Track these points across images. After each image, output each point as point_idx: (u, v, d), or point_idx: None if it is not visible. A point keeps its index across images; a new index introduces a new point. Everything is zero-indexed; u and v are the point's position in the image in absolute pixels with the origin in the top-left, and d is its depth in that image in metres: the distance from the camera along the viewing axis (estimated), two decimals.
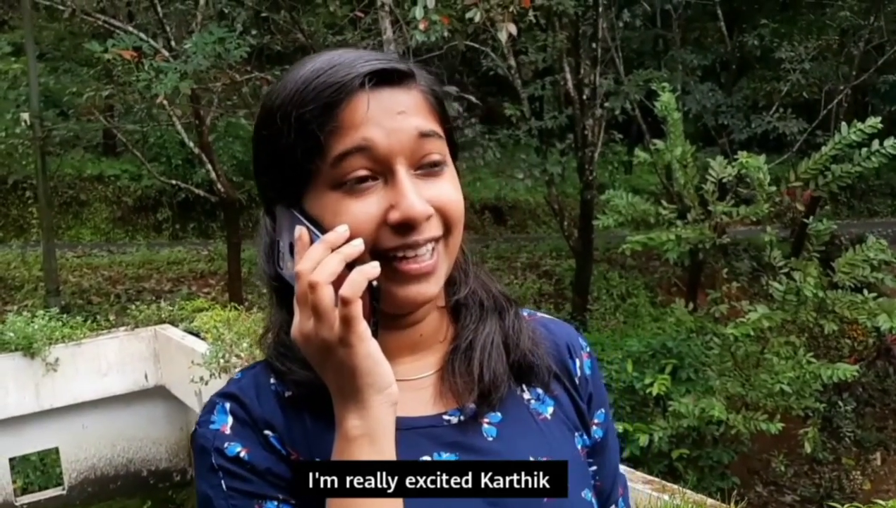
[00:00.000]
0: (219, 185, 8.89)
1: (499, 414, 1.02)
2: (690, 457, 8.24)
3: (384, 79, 0.93)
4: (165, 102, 8.10)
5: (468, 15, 7.25)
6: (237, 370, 1.27)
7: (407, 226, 0.92)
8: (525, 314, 1.12)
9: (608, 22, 11.48)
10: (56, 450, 7.28)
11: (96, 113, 9.47)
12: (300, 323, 0.88)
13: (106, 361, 6.94)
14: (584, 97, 10.71)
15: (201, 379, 5.18)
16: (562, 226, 11.44)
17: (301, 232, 0.91)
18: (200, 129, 8.64)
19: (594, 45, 10.53)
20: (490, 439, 1.01)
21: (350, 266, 0.87)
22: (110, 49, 7.11)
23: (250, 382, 1.02)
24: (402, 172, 0.92)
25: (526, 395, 1.06)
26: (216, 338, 5.74)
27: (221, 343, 5.55)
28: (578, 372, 1.11)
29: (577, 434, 1.08)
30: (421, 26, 7.10)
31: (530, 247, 13.71)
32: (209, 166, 8.75)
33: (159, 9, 8.16)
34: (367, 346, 0.88)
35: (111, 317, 8.51)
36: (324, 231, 0.91)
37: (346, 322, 0.86)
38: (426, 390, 1.02)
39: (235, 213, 10.07)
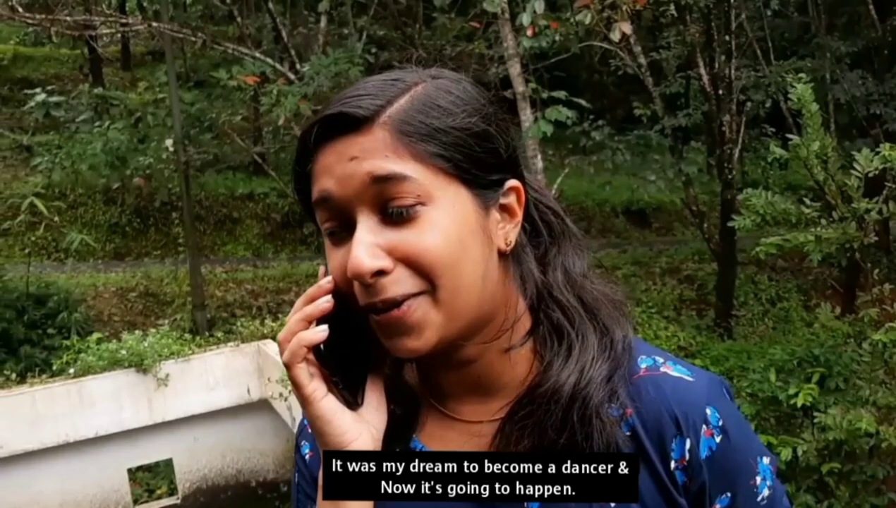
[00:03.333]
0: None
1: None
2: (842, 472, 7.65)
3: (338, 125, 0.87)
4: (293, 124, 8.42)
5: (578, 18, 7.10)
6: None
7: (363, 283, 0.86)
8: (643, 367, 0.95)
9: (749, 11, 10.91)
10: (170, 461, 7.71)
11: (234, 135, 10.00)
12: None
13: (213, 376, 7.30)
14: (720, 92, 10.20)
15: (280, 394, 5.33)
16: (701, 228, 10.93)
17: (321, 270, 0.93)
18: None
19: (728, 38, 10.00)
20: None
21: (339, 320, 0.89)
22: (235, 75, 7.50)
23: None
24: (361, 221, 0.86)
25: None
26: None
27: None
28: (687, 455, 0.91)
29: None
30: (528, 32, 7.02)
31: (670, 251, 13.20)
32: None
33: (284, 34, 8.53)
34: (315, 409, 0.90)
35: (251, 328, 8.92)
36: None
37: (293, 384, 0.89)
38: (483, 438, 0.95)
39: None
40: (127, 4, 16.02)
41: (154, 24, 8.46)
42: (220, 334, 8.85)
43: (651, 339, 10.60)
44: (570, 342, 0.93)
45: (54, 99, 10.69)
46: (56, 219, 11.43)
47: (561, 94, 7.01)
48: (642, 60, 10.82)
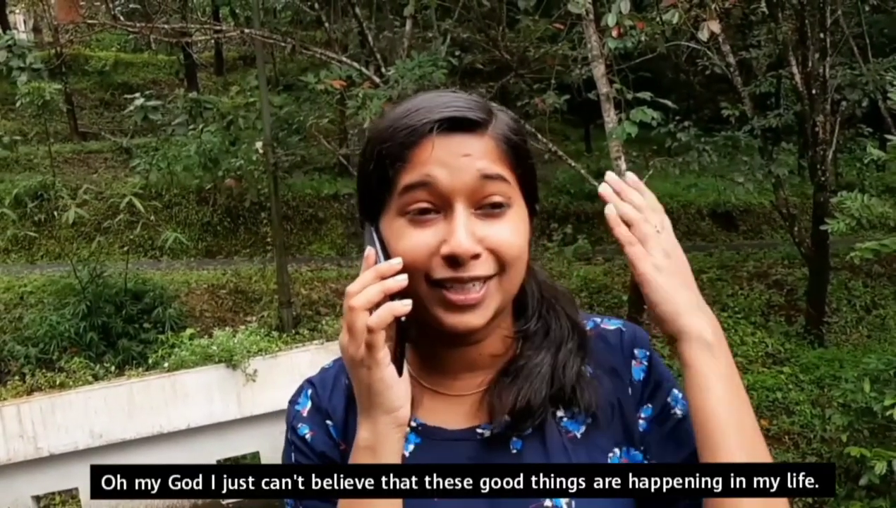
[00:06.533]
0: None
1: (529, 429, 1.10)
2: None
3: (455, 125, 1.03)
4: None
5: (666, 17, 7.00)
6: None
7: (455, 261, 1.01)
8: (589, 327, 1.18)
9: (846, 7, 10.55)
10: (256, 454, 7.91)
11: (321, 137, 10.21)
12: (341, 334, 1.03)
13: (299, 372, 7.40)
14: (814, 91, 9.88)
15: None
16: (792, 232, 10.62)
17: (369, 252, 1.04)
18: None
19: (822, 35, 9.69)
20: (514, 451, 1.09)
21: (395, 296, 0.99)
22: (322, 79, 7.68)
23: (331, 374, 1.22)
24: (460, 209, 1.02)
25: (559, 413, 1.11)
26: None
27: None
28: (636, 377, 1.15)
29: (617, 450, 1.11)
30: (613, 33, 6.95)
31: (759, 255, 12.82)
32: None
33: (370, 38, 8.67)
34: (382, 371, 1.00)
35: (336, 327, 9.11)
36: (388, 253, 1.03)
37: (369, 347, 0.98)
38: (470, 408, 1.12)
39: None
40: (220, 12, 16.51)
41: (246, 30, 8.76)
42: (305, 331, 9.05)
43: (737, 345, 10.33)
44: (548, 327, 1.14)
45: (152, 103, 11.11)
46: (152, 218, 11.85)
47: (646, 95, 6.94)
48: (731, 59, 10.59)
